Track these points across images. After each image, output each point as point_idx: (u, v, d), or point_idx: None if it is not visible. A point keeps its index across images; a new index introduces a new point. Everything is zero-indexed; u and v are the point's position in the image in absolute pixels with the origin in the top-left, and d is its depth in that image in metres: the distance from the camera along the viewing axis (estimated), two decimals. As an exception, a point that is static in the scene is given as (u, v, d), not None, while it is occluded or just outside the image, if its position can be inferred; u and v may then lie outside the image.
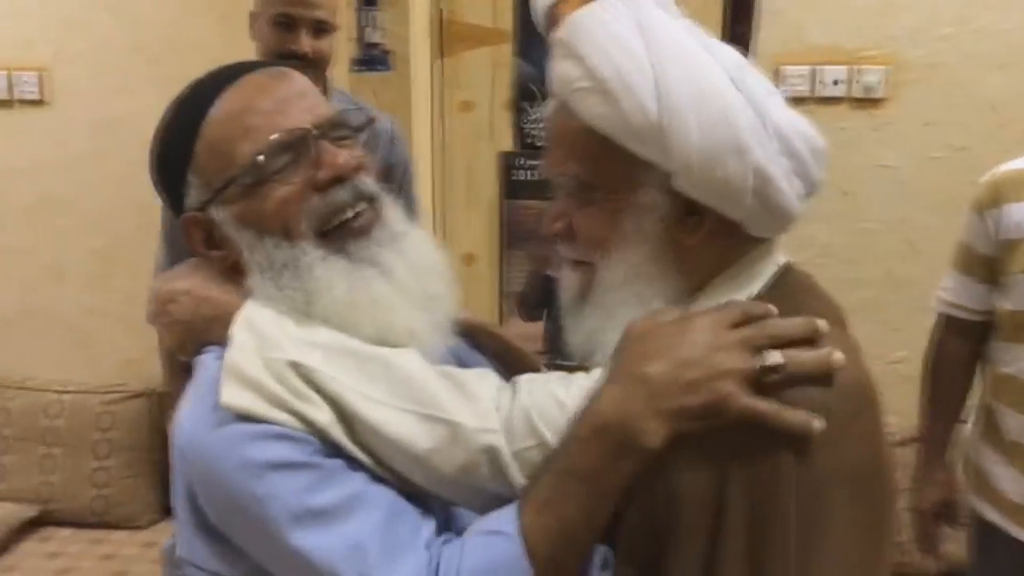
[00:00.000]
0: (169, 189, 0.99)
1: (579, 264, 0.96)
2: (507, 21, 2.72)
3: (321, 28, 1.94)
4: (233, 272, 0.97)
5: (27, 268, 3.22)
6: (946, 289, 1.88)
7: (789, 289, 0.93)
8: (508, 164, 2.81)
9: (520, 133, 2.79)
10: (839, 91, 2.68)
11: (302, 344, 0.90)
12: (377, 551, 0.84)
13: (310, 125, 0.94)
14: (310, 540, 0.85)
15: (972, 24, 2.58)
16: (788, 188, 0.89)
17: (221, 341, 0.92)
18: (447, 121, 2.80)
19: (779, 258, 0.96)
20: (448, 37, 2.75)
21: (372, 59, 2.42)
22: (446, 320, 1.01)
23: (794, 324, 0.83)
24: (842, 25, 2.66)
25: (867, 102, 2.68)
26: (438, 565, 0.84)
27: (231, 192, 0.94)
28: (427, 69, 2.73)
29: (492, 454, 0.88)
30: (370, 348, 0.92)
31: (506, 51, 2.73)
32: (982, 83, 2.62)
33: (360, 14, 2.40)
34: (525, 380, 0.93)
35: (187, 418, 0.92)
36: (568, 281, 0.98)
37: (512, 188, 2.82)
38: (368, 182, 0.99)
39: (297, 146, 0.93)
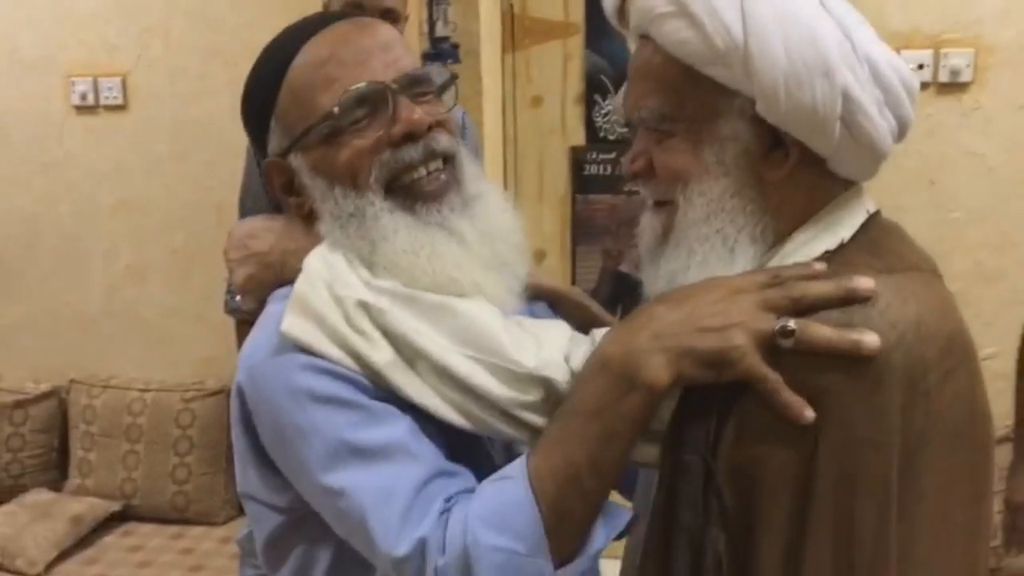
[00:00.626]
0: (255, 134, 1.02)
1: (659, 205, 0.93)
2: (577, 14, 2.69)
3: (391, 16, 1.95)
4: (309, 219, 0.99)
5: (110, 269, 3.31)
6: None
7: (878, 236, 0.89)
8: (579, 159, 2.78)
9: (591, 127, 2.76)
10: (924, 76, 2.59)
11: (371, 287, 0.91)
12: (406, 504, 0.83)
13: (390, 79, 0.94)
14: (346, 477, 0.85)
15: (1065, 2, 2.48)
16: (879, 119, 0.85)
17: (294, 276, 0.93)
18: (518, 116, 2.79)
19: (869, 205, 0.92)
20: (518, 31, 2.74)
21: (441, 53, 2.43)
22: (517, 283, 1.00)
23: (825, 287, 0.80)
24: (923, 8, 2.57)
25: (953, 87, 2.59)
26: (449, 512, 0.83)
27: (309, 140, 0.95)
28: (497, 63, 2.73)
29: (549, 388, 0.87)
30: (438, 297, 0.92)
31: (576, 44, 2.71)
32: (1077, 64, 2.51)
33: (430, 8, 2.41)
34: (603, 332, 0.90)
35: (249, 344, 0.94)
36: (648, 223, 0.95)
37: (583, 183, 2.79)
38: (443, 140, 0.98)
39: (374, 99, 0.94)
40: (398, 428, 0.88)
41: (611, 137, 2.74)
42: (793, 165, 0.87)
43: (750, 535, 0.79)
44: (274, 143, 0.98)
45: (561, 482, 0.81)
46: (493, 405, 0.88)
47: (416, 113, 0.94)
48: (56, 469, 3.28)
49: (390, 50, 0.96)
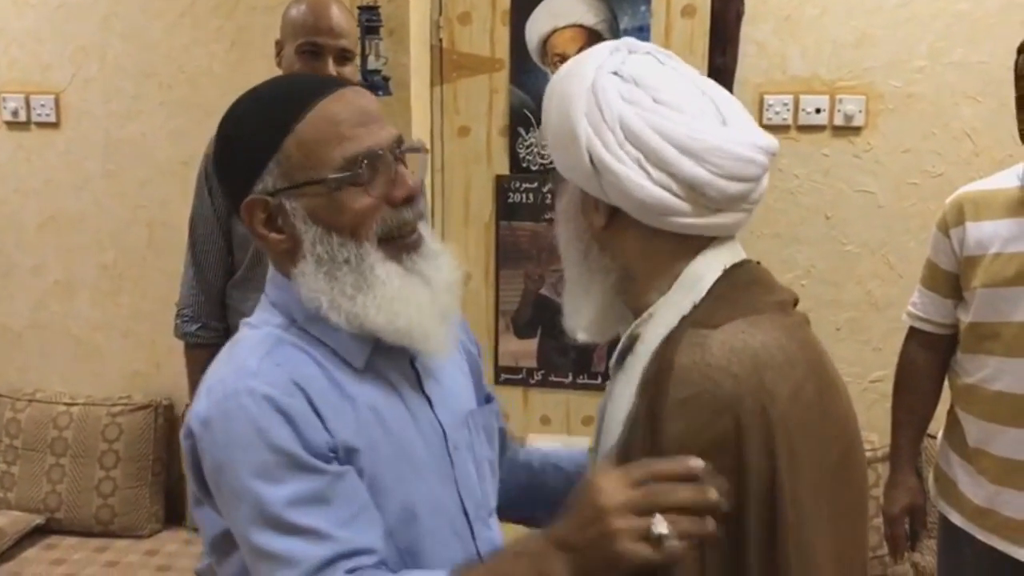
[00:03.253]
0: (238, 171, 1.09)
1: None
2: (503, 50, 2.84)
3: (345, 56, 2.08)
4: (282, 255, 1.09)
5: (38, 283, 3.33)
6: (914, 304, 1.98)
7: (726, 291, 1.04)
8: (503, 187, 2.92)
9: (515, 157, 2.90)
10: (820, 119, 2.81)
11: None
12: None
13: (387, 143, 1.07)
14: (264, 539, 1.02)
15: (946, 57, 2.71)
16: (633, 174, 1.00)
17: None
18: (445, 145, 2.92)
19: (728, 259, 1.06)
20: (446, 65, 2.87)
21: (373, 84, 2.53)
22: (453, 330, 1.16)
23: (680, 491, 0.93)
24: (821, 56, 2.78)
25: (847, 130, 2.81)
26: None
27: (313, 189, 1.05)
28: (426, 95, 2.86)
29: None
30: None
31: (502, 79, 2.85)
32: (957, 113, 2.74)
33: (363, 42, 2.52)
34: None
35: (215, 374, 1.09)
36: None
37: (507, 210, 2.93)
38: (421, 203, 1.14)
39: (380, 162, 1.06)
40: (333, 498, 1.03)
41: (533, 167, 2.89)
42: (607, 216, 1.05)
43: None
44: (267, 183, 1.06)
45: None
46: None
47: (411, 179, 1.09)
48: (-23, 483, 3.28)
49: (380, 116, 1.10)
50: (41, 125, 3.22)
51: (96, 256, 3.28)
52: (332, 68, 2.03)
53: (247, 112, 1.10)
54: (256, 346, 1.09)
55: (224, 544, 1.10)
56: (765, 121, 2.82)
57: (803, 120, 2.81)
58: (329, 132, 1.05)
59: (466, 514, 1.18)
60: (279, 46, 2.14)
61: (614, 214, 1.04)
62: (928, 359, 1.98)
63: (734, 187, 1.02)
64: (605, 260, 1.08)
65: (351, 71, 2.11)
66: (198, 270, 2.23)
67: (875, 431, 2.88)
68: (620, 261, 1.07)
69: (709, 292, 1.03)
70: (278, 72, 2.76)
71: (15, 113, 3.21)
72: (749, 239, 2.86)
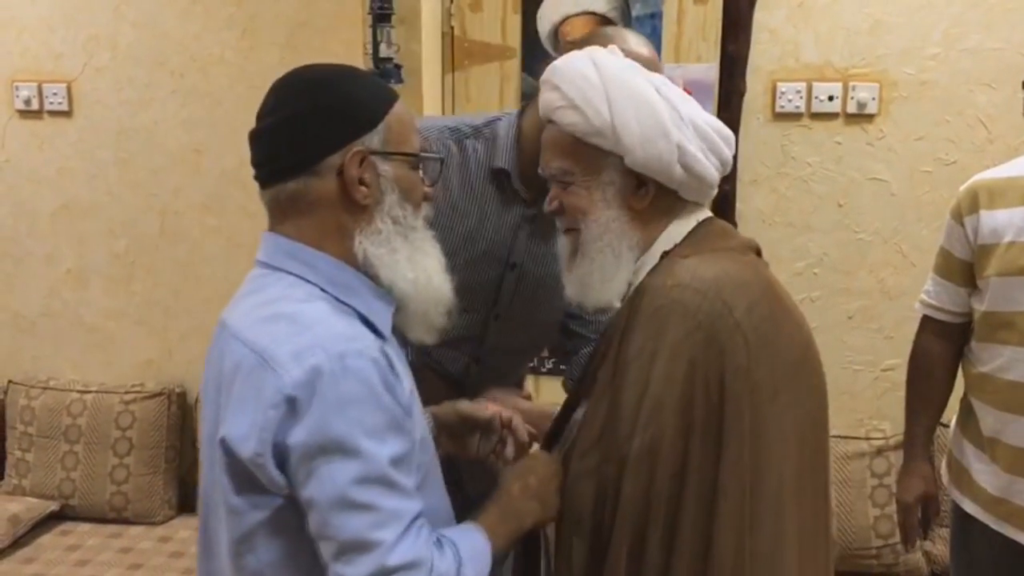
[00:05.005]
0: (339, 123, 1.17)
1: (569, 232, 1.34)
2: (514, 38, 2.83)
3: None
4: (354, 208, 1.19)
5: (51, 271, 3.35)
6: (928, 292, 1.97)
7: (699, 236, 1.32)
8: (515, 175, 2.92)
9: (526, 145, 2.90)
10: (833, 107, 2.79)
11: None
12: (405, 528, 1.12)
13: None
14: (370, 495, 1.11)
15: (960, 44, 2.70)
16: (705, 161, 1.29)
17: None
18: (456, 133, 2.92)
19: (701, 215, 1.35)
20: (458, 52, 2.87)
21: (385, 73, 2.53)
22: None
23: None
24: (834, 44, 2.77)
25: (860, 117, 2.79)
26: (440, 546, 1.15)
27: (404, 160, 1.21)
28: (438, 83, 2.85)
29: None
30: None
31: (513, 66, 2.84)
32: (970, 100, 2.73)
33: (374, 30, 2.52)
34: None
35: (325, 328, 1.16)
36: (563, 245, 1.36)
37: (518, 198, 2.93)
38: None
39: (436, 158, 1.33)
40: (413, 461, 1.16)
41: (545, 155, 2.89)
42: (652, 197, 1.30)
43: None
44: (372, 142, 1.18)
45: (500, 542, 1.25)
46: None
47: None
48: (-8, 469, 3.31)
49: None
50: (54, 114, 3.23)
51: (108, 244, 3.29)
52: None
53: (352, 79, 1.22)
54: (330, 314, 1.14)
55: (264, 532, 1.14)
56: (778, 109, 2.81)
57: (816, 108, 2.80)
58: (412, 122, 1.24)
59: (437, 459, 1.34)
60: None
61: (656, 195, 1.29)
62: (942, 348, 1.97)
63: (731, 158, 1.34)
64: (636, 234, 1.31)
65: None
66: None
67: (887, 419, 2.87)
68: (646, 233, 1.31)
69: (687, 237, 1.31)
70: (293, 59, 2.75)
71: (28, 102, 3.22)
72: (761, 227, 2.86)
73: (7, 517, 2.99)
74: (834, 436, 2.83)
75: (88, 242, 3.30)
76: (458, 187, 1.66)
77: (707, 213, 1.36)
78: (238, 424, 1.10)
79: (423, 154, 1.26)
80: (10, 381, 3.34)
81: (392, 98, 1.22)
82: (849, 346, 2.92)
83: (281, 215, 1.20)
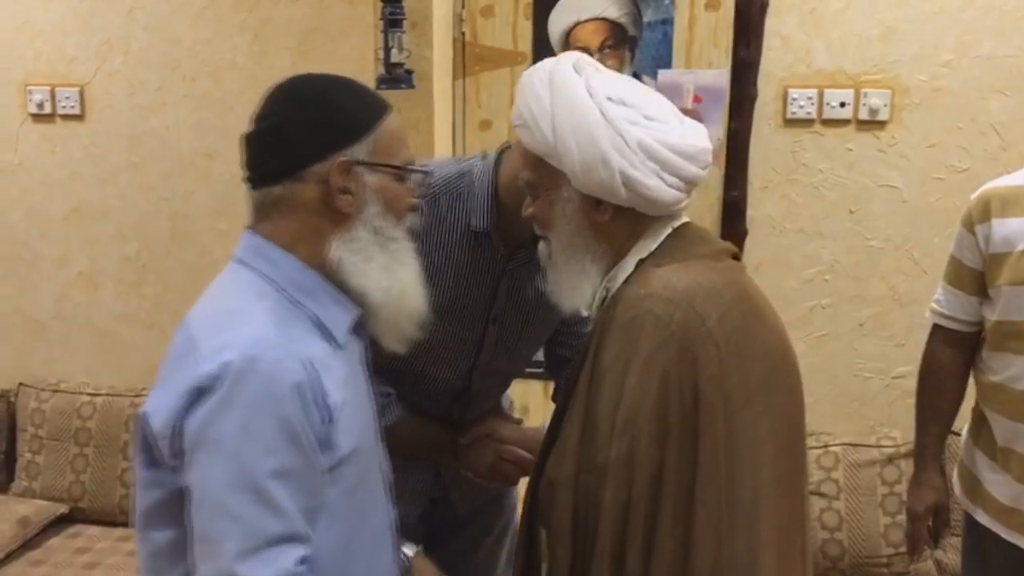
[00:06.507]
0: (326, 131, 1.21)
1: (544, 238, 1.38)
2: (525, 43, 2.83)
3: None
4: (335, 215, 1.22)
5: (62, 275, 3.36)
6: (938, 301, 1.96)
7: (673, 244, 1.32)
8: (525, 180, 2.92)
9: (537, 151, 2.90)
10: (845, 113, 2.78)
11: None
12: (265, 545, 1.12)
13: None
14: (239, 502, 1.12)
15: (973, 51, 2.68)
16: (657, 182, 1.27)
17: None
18: (467, 138, 2.92)
19: (676, 222, 1.34)
20: (469, 58, 2.87)
21: (396, 78, 2.53)
22: None
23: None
24: (846, 50, 2.76)
25: (872, 124, 2.78)
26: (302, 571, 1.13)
27: (391, 171, 1.25)
28: (448, 88, 2.85)
29: None
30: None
31: (523, 72, 2.84)
32: (983, 107, 2.71)
33: (386, 35, 2.52)
34: None
35: (245, 329, 1.17)
36: (542, 249, 1.39)
37: (528, 203, 2.93)
38: None
39: (423, 171, 1.35)
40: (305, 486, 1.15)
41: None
42: (612, 213, 1.30)
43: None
44: (358, 152, 1.21)
45: None
46: None
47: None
48: (2, 471, 3.32)
49: None
50: (66, 117, 3.25)
51: (120, 248, 3.30)
52: None
53: (345, 89, 1.25)
54: (271, 317, 1.16)
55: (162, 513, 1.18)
56: (789, 115, 2.80)
57: (828, 114, 2.79)
58: (401, 135, 1.28)
59: (380, 471, 1.36)
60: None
61: (616, 210, 1.29)
62: (953, 356, 1.96)
63: (704, 173, 1.32)
64: (602, 246, 1.33)
65: None
66: None
67: (897, 427, 2.86)
68: (614, 245, 1.33)
69: (660, 245, 1.32)
70: (304, 64, 2.79)
71: (40, 105, 3.24)
72: (772, 233, 2.85)
73: (17, 519, 3.00)
74: (844, 443, 2.86)
75: (99, 245, 3.31)
76: (433, 248, 1.54)
77: (683, 219, 1.36)
78: (156, 401, 1.15)
79: (410, 168, 1.28)
80: (21, 384, 3.35)
81: (383, 111, 1.25)
82: (860, 353, 2.91)
83: (263, 215, 1.26)
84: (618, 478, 1.19)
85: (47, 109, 3.24)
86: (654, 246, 1.32)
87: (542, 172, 1.32)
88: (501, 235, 1.56)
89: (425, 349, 1.42)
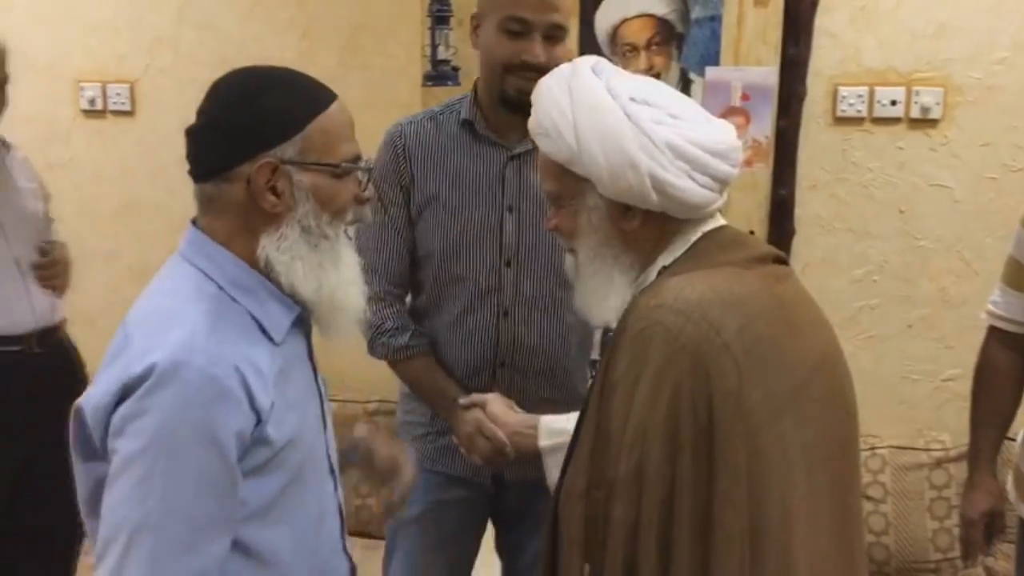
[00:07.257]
0: (250, 132, 1.20)
1: (570, 251, 1.34)
2: (572, 40, 2.82)
3: (556, 35, 1.71)
4: (264, 217, 1.21)
5: (112, 269, 3.41)
6: (995, 302, 1.93)
7: (699, 249, 1.26)
8: (570, 178, 2.91)
9: (582, 148, 2.89)
10: (896, 112, 2.74)
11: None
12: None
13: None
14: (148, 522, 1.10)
15: (1029, 48, 2.63)
16: (688, 183, 1.21)
17: None
18: (512, 136, 2.92)
19: (706, 226, 1.28)
20: (515, 55, 2.87)
21: (442, 75, 2.55)
22: None
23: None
24: (897, 47, 2.72)
25: (924, 123, 2.74)
26: None
27: (323, 170, 1.22)
28: (494, 86, 2.85)
29: None
30: None
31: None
32: (1039, 106, 2.66)
33: (432, 33, 2.53)
34: None
35: (179, 332, 1.17)
36: (567, 263, 1.36)
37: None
38: None
39: (363, 166, 1.29)
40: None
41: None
42: (641, 219, 1.24)
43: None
44: (285, 152, 1.20)
45: None
46: None
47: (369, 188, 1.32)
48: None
49: None
50: (117, 113, 3.30)
51: (169, 243, 3.23)
52: (540, 48, 1.69)
53: (278, 87, 1.23)
54: (203, 320, 1.16)
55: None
56: (839, 113, 2.77)
57: (878, 112, 2.75)
58: (341, 131, 1.25)
59: (331, 467, 1.38)
60: (475, 21, 1.79)
61: (645, 216, 1.24)
62: (1009, 359, 1.93)
63: (736, 171, 1.25)
64: (630, 255, 1.28)
65: (562, 53, 1.70)
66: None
67: (947, 431, 2.82)
68: (642, 253, 1.28)
69: (687, 251, 1.25)
70: (352, 61, 2.80)
71: (92, 101, 3.29)
72: (820, 233, 2.82)
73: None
74: (891, 446, 2.82)
75: (149, 240, 3.36)
76: (443, 148, 1.82)
77: (718, 222, 1.29)
78: (90, 395, 1.16)
79: (345, 165, 1.25)
80: (71, 376, 3.41)
81: (319, 108, 1.23)
82: (909, 355, 2.87)
83: (203, 210, 1.27)
84: (627, 495, 1.14)
85: (98, 105, 3.29)
86: (680, 252, 1.26)
87: (565, 181, 1.27)
88: (489, 126, 1.81)
89: (453, 236, 1.77)
